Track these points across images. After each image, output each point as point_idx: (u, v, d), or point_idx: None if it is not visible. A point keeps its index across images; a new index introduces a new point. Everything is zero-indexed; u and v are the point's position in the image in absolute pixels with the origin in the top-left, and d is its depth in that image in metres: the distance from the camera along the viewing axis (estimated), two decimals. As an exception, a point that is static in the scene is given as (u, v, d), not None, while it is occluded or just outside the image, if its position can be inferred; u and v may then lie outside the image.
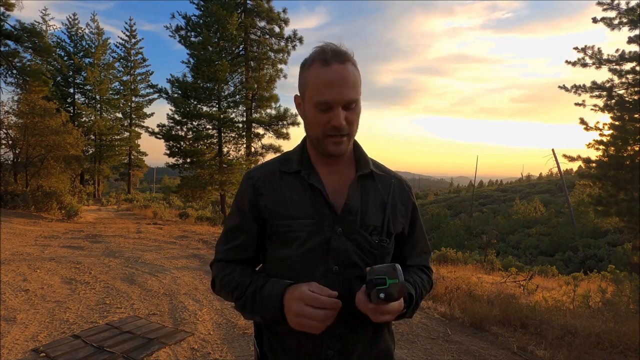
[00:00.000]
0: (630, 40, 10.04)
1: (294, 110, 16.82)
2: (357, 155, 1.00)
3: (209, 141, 16.78)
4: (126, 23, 29.73)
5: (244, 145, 17.25)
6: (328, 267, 0.89)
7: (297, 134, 17.52)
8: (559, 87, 11.49)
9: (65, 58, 26.40)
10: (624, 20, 10.04)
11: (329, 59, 0.88)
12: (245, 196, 0.97)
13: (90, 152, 25.87)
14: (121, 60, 29.28)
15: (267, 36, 17.25)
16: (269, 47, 17.03)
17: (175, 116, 16.42)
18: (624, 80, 10.40)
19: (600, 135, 10.77)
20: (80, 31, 27.60)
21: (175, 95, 16.41)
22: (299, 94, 0.97)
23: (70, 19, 27.52)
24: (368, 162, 0.99)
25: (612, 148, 10.28)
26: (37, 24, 21.34)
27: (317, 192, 0.92)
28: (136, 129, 30.32)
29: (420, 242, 1.06)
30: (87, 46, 27.35)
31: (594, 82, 10.80)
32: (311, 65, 0.90)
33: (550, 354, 3.46)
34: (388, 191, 0.98)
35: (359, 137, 1.01)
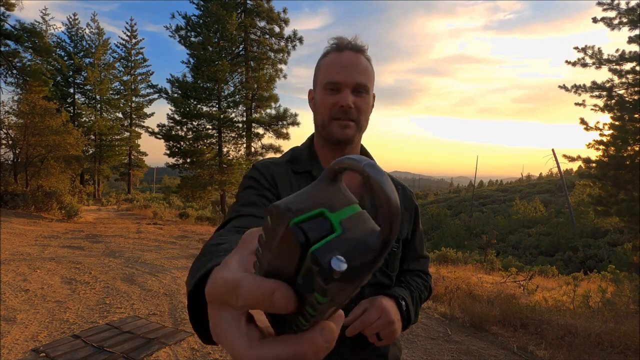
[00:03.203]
0: (631, 40, 10.05)
1: (293, 110, 16.92)
2: None
3: (208, 141, 16.79)
4: (127, 23, 29.76)
5: (244, 145, 17.26)
6: None
7: (297, 134, 17.60)
8: (559, 86, 11.50)
9: (66, 58, 26.40)
10: (624, 20, 10.04)
11: (343, 47, 0.90)
12: (263, 176, 0.89)
13: (90, 152, 25.86)
14: (121, 60, 29.29)
15: (267, 36, 17.26)
16: (269, 47, 17.04)
17: (175, 116, 16.44)
18: (624, 80, 10.41)
19: (600, 135, 10.77)
20: (80, 31, 27.63)
21: (175, 95, 16.43)
22: (312, 89, 0.97)
23: (70, 19, 27.55)
24: None
25: (612, 148, 10.28)
26: (37, 24, 21.35)
27: None
28: (136, 129, 30.31)
29: (419, 248, 1.05)
30: (87, 46, 27.36)
31: (594, 82, 10.80)
32: (327, 54, 0.92)
33: (550, 354, 3.46)
34: None
35: (362, 138, 1.03)
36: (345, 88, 0.87)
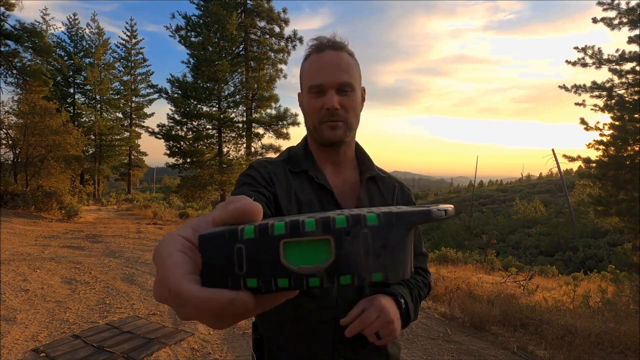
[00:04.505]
0: (630, 40, 10.04)
1: (294, 110, 16.95)
2: (360, 157, 0.98)
3: (209, 141, 16.81)
4: (127, 23, 29.80)
5: (244, 145, 17.27)
6: None
7: (297, 134, 17.59)
8: (559, 86, 11.48)
9: (66, 58, 26.42)
10: (624, 20, 10.04)
11: (322, 46, 0.89)
12: (260, 174, 0.88)
13: (90, 152, 25.87)
14: (121, 60, 29.30)
15: (267, 36, 17.27)
16: (269, 47, 17.05)
17: (175, 116, 16.45)
18: (624, 80, 10.40)
19: (600, 135, 10.76)
20: (80, 31, 27.65)
21: (175, 95, 16.44)
22: (300, 92, 0.97)
23: (70, 19, 27.57)
24: (372, 165, 0.98)
25: (612, 148, 10.27)
26: (37, 24, 21.36)
27: (326, 194, 0.89)
28: (136, 129, 30.34)
29: (417, 245, 1.03)
30: (87, 46, 27.40)
31: (594, 82, 10.79)
32: (308, 56, 0.92)
33: (550, 354, 3.46)
34: (392, 195, 0.97)
35: (361, 138, 1.00)
36: (329, 89, 0.86)
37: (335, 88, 0.86)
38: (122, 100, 28.99)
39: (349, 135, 0.91)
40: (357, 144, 1.00)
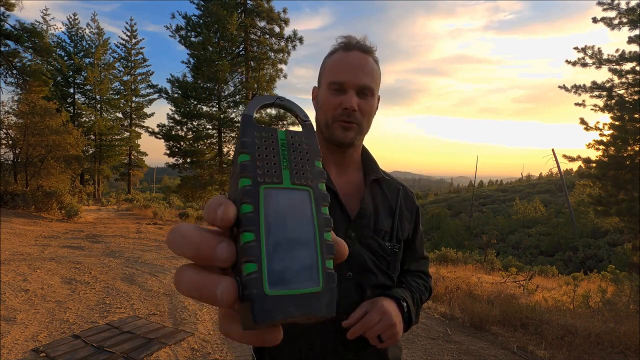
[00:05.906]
0: (630, 40, 10.04)
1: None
2: (365, 160, 0.98)
3: (209, 141, 16.81)
4: (127, 23, 29.76)
5: (244, 145, 17.25)
6: (341, 273, 0.85)
7: (297, 134, 17.49)
8: (559, 87, 11.49)
9: (66, 58, 26.40)
10: (624, 20, 10.04)
11: (351, 46, 0.89)
12: None
13: (90, 152, 25.85)
14: (121, 60, 29.28)
15: (267, 36, 17.25)
16: (269, 47, 17.04)
17: (175, 116, 16.44)
18: (624, 80, 10.40)
19: (600, 135, 10.77)
20: (80, 31, 27.64)
21: (176, 95, 16.44)
22: (316, 86, 0.96)
23: (70, 19, 27.55)
24: (377, 167, 0.98)
25: (612, 148, 10.28)
26: (37, 24, 21.34)
27: (330, 195, 0.89)
28: (136, 129, 30.29)
29: (419, 248, 1.04)
30: (87, 46, 27.37)
31: (594, 82, 10.80)
32: (333, 53, 0.91)
33: (550, 354, 3.46)
34: (396, 197, 0.97)
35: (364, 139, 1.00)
36: (349, 89, 0.86)
37: (355, 89, 0.86)
38: (122, 100, 28.97)
39: (358, 139, 0.91)
40: (363, 147, 1.00)
